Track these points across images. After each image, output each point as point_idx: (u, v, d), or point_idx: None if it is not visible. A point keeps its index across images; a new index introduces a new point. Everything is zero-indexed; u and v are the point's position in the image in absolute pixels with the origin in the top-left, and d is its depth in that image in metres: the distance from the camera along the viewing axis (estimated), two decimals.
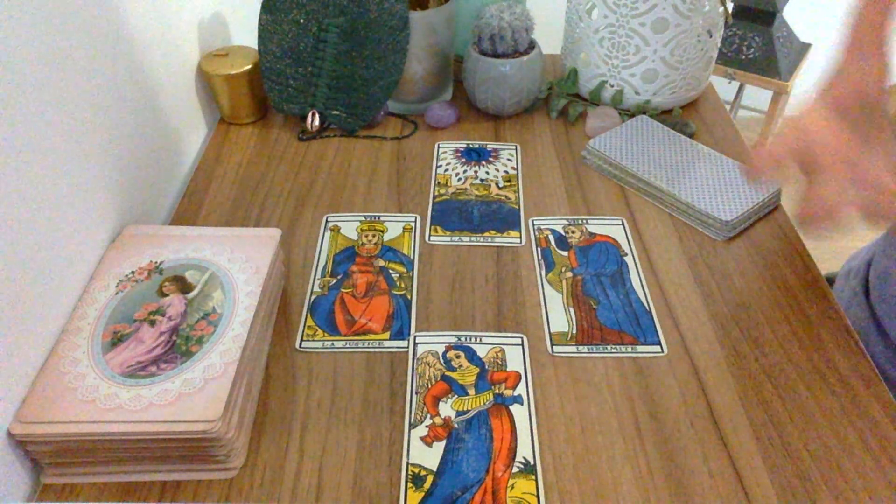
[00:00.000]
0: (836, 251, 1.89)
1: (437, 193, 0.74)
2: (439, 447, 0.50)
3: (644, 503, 0.47)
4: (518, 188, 0.75)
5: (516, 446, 0.50)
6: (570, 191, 0.75)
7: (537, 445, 0.51)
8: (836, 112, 0.51)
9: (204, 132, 0.85)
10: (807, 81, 2.00)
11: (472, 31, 0.83)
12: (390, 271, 0.65)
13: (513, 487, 0.48)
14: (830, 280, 0.82)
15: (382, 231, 0.69)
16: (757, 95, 1.87)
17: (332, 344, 0.58)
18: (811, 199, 0.50)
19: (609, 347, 0.58)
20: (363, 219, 0.71)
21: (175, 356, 0.50)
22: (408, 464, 0.49)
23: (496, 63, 0.81)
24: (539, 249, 0.67)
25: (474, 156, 0.80)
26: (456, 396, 0.54)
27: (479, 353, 0.57)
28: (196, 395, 0.47)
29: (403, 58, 0.81)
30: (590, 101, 0.88)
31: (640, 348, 0.58)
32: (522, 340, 0.58)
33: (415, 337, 0.59)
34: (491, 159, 0.79)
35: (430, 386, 0.55)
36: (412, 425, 0.52)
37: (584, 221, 0.71)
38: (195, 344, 0.51)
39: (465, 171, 0.77)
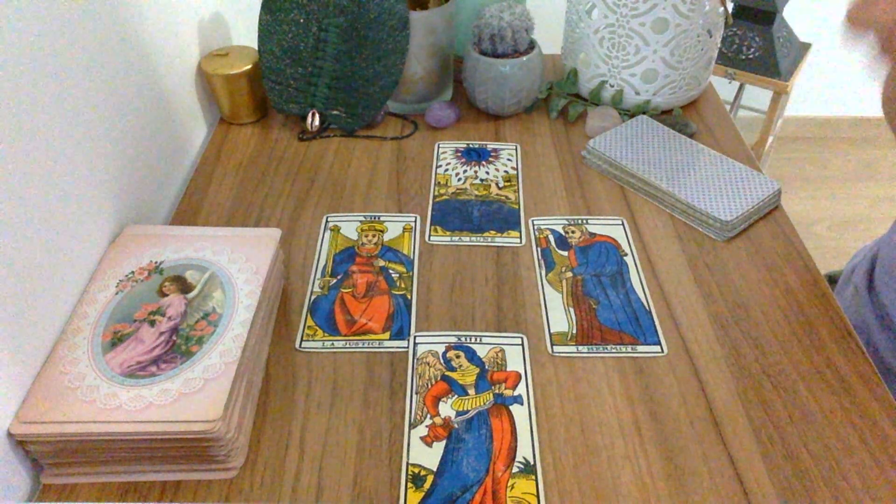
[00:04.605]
0: (836, 251, 1.89)
1: (437, 193, 0.74)
2: (439, 447, 0.50)
3: (644, 503, 0.47)
4: (518, 188, 0.75)
5: (516, 446, 0.50)
6: (570, 191, 0.75)
7: (537, 445, 0.51)
8: None
9: (204, 132, 0.85)
10: (807, 81, 2.01)
11: (472, 31, 0.83)
12: (390, 271, 0.65)
13: (513, 487, 0.48)
14: (831, 280, 0.82)
15: (382, 231, 0.69)
16: (757, 95, 1.87)
17: (332, 344, 0.58)
18: None
19: (609, 347, 0.58)
20: (363, 219, 0.71)
21: (175, 356, 0.50)
22: (408, 464, 0.49)
23: (496, 63, 0.81)
24: (539, 249, 0.67)
25: (474, 156, 0.80)
26: (456, 396, 0.54)
27: (479, 353, 0.57)
28: (196, 395, 0.47)
29: (403, 58, 0.81)
30: (590, 101, 0.88)
31: (640, 348, 0.58)
32: (522, 340, 0.58)
33: (415, 337, 0.59)
34: (491, 159, 0.79)
35: (430, 386, 0.55)
36: (412, 425, 0.52)
37: (584, 221, 0.71)
38: (195, 344, 0.51)
39: (465, 171, 0.77)
